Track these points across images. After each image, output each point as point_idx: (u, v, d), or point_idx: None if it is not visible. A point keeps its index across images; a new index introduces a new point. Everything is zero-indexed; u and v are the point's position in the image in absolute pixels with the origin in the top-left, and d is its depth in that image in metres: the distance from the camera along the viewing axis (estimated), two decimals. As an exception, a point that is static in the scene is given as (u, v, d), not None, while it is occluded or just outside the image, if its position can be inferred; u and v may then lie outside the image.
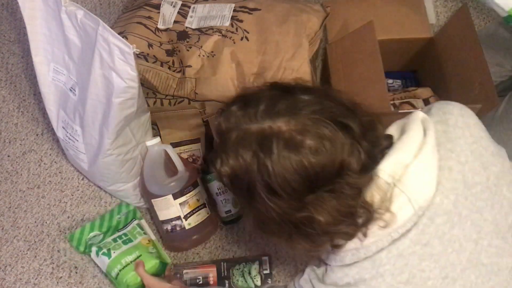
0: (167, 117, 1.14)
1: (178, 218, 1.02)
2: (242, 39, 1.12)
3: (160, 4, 1.22)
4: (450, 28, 1.16)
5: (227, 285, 1.05)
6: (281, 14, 1.14)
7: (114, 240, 1.05)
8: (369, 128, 0.67)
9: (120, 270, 1.00)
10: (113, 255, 1.02)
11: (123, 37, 0.91)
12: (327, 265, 0.73)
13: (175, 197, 1.02)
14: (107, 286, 1.08)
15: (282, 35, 1.11)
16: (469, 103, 0.75)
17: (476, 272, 0.66)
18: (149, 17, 1.20)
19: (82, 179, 1.20)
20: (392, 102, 1.16)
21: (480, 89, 1.01)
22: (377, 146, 0.67)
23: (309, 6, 1.18)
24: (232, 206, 1.10)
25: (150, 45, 1.16)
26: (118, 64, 0.84)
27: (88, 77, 0.89)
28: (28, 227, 1.15)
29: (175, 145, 1.17)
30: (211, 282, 1.05)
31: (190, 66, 1.12)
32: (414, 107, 1.14)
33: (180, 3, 1.22)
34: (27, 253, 1.12)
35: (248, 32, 1.12)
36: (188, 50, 1.13)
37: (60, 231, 1.14)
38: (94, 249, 1.04)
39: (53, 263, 1.11)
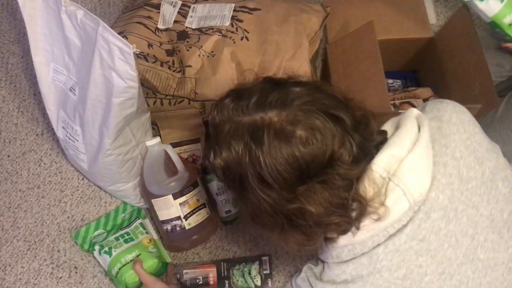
0: (167, 117, 1.14)
1: (178, 218, 1.02)
2: (242, 39, 1.12)
3: (160, 4, 1.22)
4: (450, 28, 1.16)
5: (227, 285, 1.05)
6: (281, 14, 1.14)
7: (116, 238, 1.05)
8: (362, 122, 0.67)
9: (119, 269, 1.00)
10: (114, 253, 1.02)
11: (123, 37, 0.91)
12: (324, 262, 0.74)
13: (175, 197, 1.02)
14: (107, 286, 1.08)
15: (282, 35, 1.11)
16: (469, 103, 0.76)
17: (473, 267, 0.66)
18: (149, 17, 1.20)
19: (82, 179, 1.20)
20: (392, 102, 1.16)
21: (480, 89, 1.01)
22: (370, 140, 0.67)
23: (309, 6, 1.18)
24: (232, 206, 1.10)
25: (150, 45, 1.16)
26: (118, 64, 0.83)
27: (88, 77, 0.89)
28: (28, 227, 1.15)
29: (175, 145, 1.17)
30: (211, 282, 1.05)
31: (190, 66, 1.12)
32: (414, 107, 1.14)
33: (180, 3, 1.22)
34: (27, 253, 1.12)
35: (248, 32, 1.12)
36: (188, 50, 1.13)
37: (60, 231, 1.14)
38: (97, 247, 1.05)
39: (53, 263, 1.11)
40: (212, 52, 1.12)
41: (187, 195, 1.03)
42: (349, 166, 0.63)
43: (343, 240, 0.68)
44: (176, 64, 1.14)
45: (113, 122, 0.91)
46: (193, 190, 1.04)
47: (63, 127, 1.06)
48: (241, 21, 1.14)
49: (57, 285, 1.09)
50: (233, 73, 1.09)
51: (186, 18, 1.19)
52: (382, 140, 0.69)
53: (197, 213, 1.04)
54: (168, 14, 1.20)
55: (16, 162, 1.22)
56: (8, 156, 1.23)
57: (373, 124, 0.70)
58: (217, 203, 1.11)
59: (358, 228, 0.66)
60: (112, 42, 0.82)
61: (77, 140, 1.04)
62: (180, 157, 1.07)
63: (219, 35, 1.13)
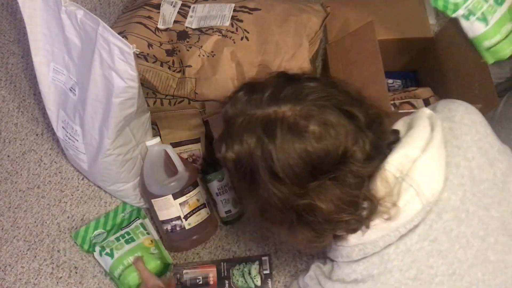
0: (167, 117, 1.14)
1: (178, 218, 1.02)
2: (242, 39, 1.12)
3: (160, 4, 1.22)
4: (450, 28, 1.15)
5: (227, 285, 1.05)
6: (281, 14, 1.14)
7: (117, 239, 1.05)
8: (375, 120, 0.67)
9: (122, 271, 1.01)
10: (116, 255, 1.02)
11: (123, 37, 0.91)
12: (334, 261, 0.73)
13: (175, 197, 1.02)
14: (107, 286, 1.08)
15: (282, 35, 1.11)
16: (469, 103, 0.75)
17: (483, 269, 0.66)
18: (149, 17, 1.20)
19: (82, 179, 1.20)
20: (392, 102, 1.16)
21: (480, 89, 1.01)
22: (383, 139, 0.67)
23: (309, 6, 1.18)
24: (232, 206, 1.10)
25: (150, 45, 1.16)
26: (118, 64, 0.83)
27: (88, 77, 0.89)
28: (28, 227, 1.15)
29: (175, 145, 1.16)
30: (211, 282, 1.05)
31: (190, 66, 1.12)
32: (414, 107, 1.14)
33: (180, 3, 1.22)
34: (27, 253, 1.12)
35: (248, 32, 1.12)
36: (188, 50, 1.13)
37: (60, 231, 1.14)
38: (97, 248, 1.05)
39: (53, 263, 1.11)
40: (212, 52, 1.12)
41: (187, 195, 1.03)
42: (362, 164, 0.63)
43: (354, 240, 0.68)
44: (176, 64, 1.14)
45: (113, 122, 0.91)
46: (193, 190, 1.04)
47: (63, 127, 1.06)
48: (241, 21, 1.14)
49: (57, 285, 1.09)
50: (233, 73, 1.09)
51: (186, 18, 1.19)
52: (395, 139, 0.68)
53: (197, 213, 1.04)
54: (168, 14, 1.20)
55: (16, 162, 1.22)
56: (8, 156, 1.23)
57: (387, 123, 0.69)
58: (217, 203, 1.11)
59: (368, 227, 0.65)
60: (112, 42, 0.82)
61: (77, 140, 1.04)
62: (180, 157, 1.07)
63: (219, 35, 1.13)
